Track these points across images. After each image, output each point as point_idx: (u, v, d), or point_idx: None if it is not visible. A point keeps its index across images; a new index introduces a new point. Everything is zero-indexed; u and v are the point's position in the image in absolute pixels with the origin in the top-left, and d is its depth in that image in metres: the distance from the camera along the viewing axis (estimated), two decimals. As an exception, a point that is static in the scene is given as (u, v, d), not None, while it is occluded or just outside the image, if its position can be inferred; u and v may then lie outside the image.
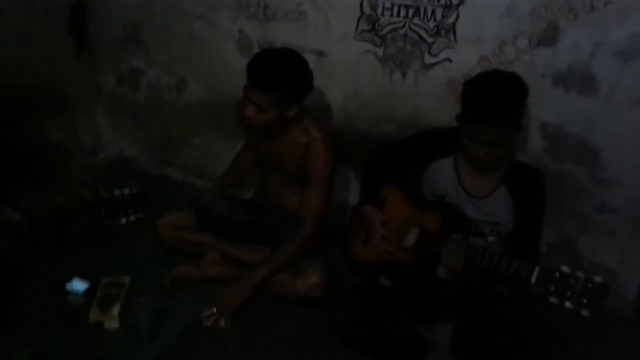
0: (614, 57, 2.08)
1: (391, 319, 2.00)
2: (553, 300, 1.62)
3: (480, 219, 1.98)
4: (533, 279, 1.67)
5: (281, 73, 2.09)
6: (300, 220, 2.28)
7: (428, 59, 2.40)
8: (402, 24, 2.40)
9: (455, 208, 2.01)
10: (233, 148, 2.69)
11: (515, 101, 1.81)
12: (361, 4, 2.43)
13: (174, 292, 2.32)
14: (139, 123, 3.26)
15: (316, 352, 2.12)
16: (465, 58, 2.30)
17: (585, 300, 1.58)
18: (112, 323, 2.15)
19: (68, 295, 2.27)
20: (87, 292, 2.27)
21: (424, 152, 2.09)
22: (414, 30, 2.39)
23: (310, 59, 2.55)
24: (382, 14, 2.41)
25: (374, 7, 2.42)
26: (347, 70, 2.57)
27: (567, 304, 1.60)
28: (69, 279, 2.30)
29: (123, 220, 2.16)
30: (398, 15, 2.39)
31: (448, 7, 2.28)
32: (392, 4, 2.38)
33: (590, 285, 1.58)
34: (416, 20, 2.37)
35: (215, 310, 2.21)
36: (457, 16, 2.28)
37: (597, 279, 1.58)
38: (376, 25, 2.44)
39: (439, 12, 2.31)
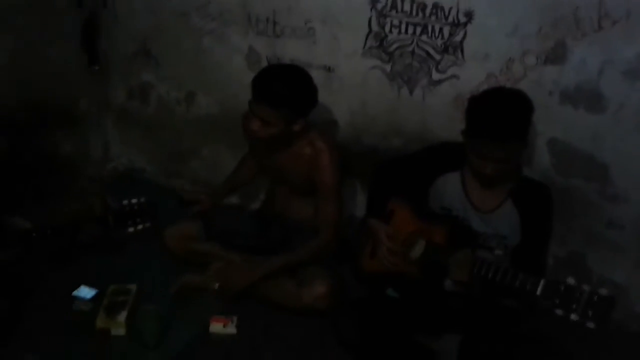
0: (622, 75, 2.10)
1: (397, 331, 2.00)
2: (559, 312, 1.62)
3: (487, 232, 1.98)
4: (539, 291, 1.67)
5: (287, 88, 2.12)
6: (318, 229, 2.29)
7: (435, 76, 2.43)
8: (410, 41, 2.43)
9: (461, 221, 2.02)
10: (241, 161, 2.70)
11: (520, 118, 1.83)
12: (369, 22, 2.46)
13: (179, 300, 2.32)
14: (148, 135, 3.28)
15: (321, 362, 2.12)
16: (472, 75, 2.33)
17: (590, 313, 1.57)
18: (119, 330, 2.15)
19: (75, 302, 2.27)
20: (94, 299, 2.27)
21: (431, 166, 2.11)
22: (421, 48, 2.42)
23: (318, 74, 2.60)
24: (390, 31, 2.45)
25: (382, 25, 2.45)
26: (355, 85, 2.59)
27: (573, 316, 1.59)
28: (77, 287, 2.31)
29: (131, 230, 2.16)
30: (406, 32, 2.42)
31: (456, 25, 2.32)
32: (400, 22, 2.41)
33: (596, 298, 1.58)
34: (424, 37, 2.40)
35: (217, 286, 2.24)
36: (465, 34, 2.31)
37: (603, 291, 1.58)
38: (384, 42, 2.48)
39: (446, 30, 2.34)
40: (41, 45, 2.86)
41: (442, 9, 2.32)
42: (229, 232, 2.47)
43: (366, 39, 2.50)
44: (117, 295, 2.26)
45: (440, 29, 2.36)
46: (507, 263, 1.87)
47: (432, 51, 2.40)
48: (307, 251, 2.28)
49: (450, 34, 2.34)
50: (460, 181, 2.05)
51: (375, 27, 2.47)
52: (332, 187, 2.26)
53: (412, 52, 2.44)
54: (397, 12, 2.40)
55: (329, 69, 2.62)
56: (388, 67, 2.51)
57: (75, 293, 2.29)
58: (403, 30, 2.43)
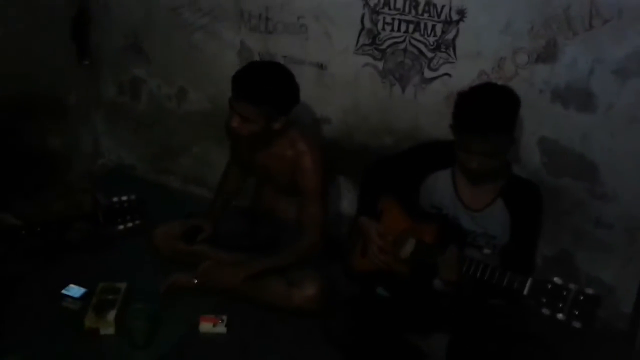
0: (612, 75, 2.10)
1: (387, 330, 2.00)
2: (545, 311, 1.62)
3: (477, 231, 1.99)
4: (526, 291, 1.68)
5: (268, 86, 2.11)
6: (302, 231, 2.28)
7: (428, 74, 2.42)
8: (402, 39, 2.43)
9: (451, 220, 2.02)
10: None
11: (504, 110, 1.83)
12: (362, 18, 2.45)
13: (169, 299, 2.31)
14: (139, 131, 3.27)
15: (311, 361, 2.12)
16: (464, 73, 2.33)
17: (577, 312, 1.58)
18: (108, 329, 2.14)
19: (64, 301, 2.26)
20: (83, 298, 2.26)
21: (422, 165, 2.11)
22: (414, 45, 2.41)
23: (310, 71, 2.59)
24: (383, 29, 2.44)
25: (374, 22, 2.44)
26: (347, 83, 2.59)
27: (559, 316, 1.60)
28: (65, 285, 2.29)
29: (120, 227, 2.15)
30: (399, 30, 2.42)
31: (448, 23, 2.31)
32: (393, 19, 2.41)
33: (582, 297, 1.58)
34: (416, 35, 2.40)
35: (195, 281, 2.25)
36: (457, 32, 2.31)
37: (589, 290, 1.59)
38: (376, 40, 2.47)
39: (439, 28, 2.34)
40: (30, 37, 2.82)
41: (435, 6, 2.32)
42: (217, 232, 2.47)
43: (359, 36, 2.49)
44: (106, 294, 2.25)
45: (433, 27, 2.35)
46: (495, 262, 1.87)
47: (424, 49, 2.40)
48: (293, 253, 2.28)
49: (443, 32, 2.34)
50: (450, 179, 2.05)
51: (367, 24, 2.46)
52: (315, 189, 2.26)
53: (405, 50, 2.44)
54: (389, 9, 2.40)
55: (321, 66, 2.61)
56: (380, 65, 2.50)
57: (64, 291, 2.28)
58: (396, 27, 2.42)
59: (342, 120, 2.68)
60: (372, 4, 2.42)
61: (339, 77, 2.60)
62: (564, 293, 1.60)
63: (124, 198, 2.15)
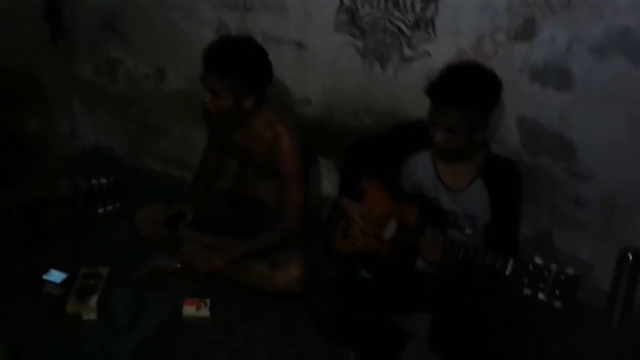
0: (589, 53, 2.09)
1: (370, 311, 2.02)
2: (527, 292, 1.63)
3: (457, 211, 1.99)
4: (507, 271, 1.70)
5: (237, 59, 2.11)
6: (283, 214, 2.28)
7: (407, 52, 2.40)
8: (381, 16, 2.40)
9: (431, 200, 2.03)
10: (212, 138, 2.67)
11: (472, 89, 1.81)
12: (341, -5, 2.43)
13: (151, 283, 2.30)
14: (117, 113, 3.22)
15: (296, 343, 2.13)
16: (444, 52, 2.30)
17: (558, 292, 1.59)
18: (90, 314, 2.14)
19: (45, 286, 2.25)
20: (64, 283, 2.25)
21: (403, 145, 2.10)
22: (393, 23, 2.39)
23: (290, 50, 2.56)
24: (362, 6, 2.41)
25: (353, -1, 2.41)
26: (327, 62, 2.56)
27: (541, 296, 1.62)
28: (46, 270, 2.28)
29: (101, 210, 2.14)
30: (378, 7, 2.39)
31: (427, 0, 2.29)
32: (372, -5, 2.38)
33: (562, 277, 1.60)
34: (396, 12, 2.37)
35: (178, 265, 2.26)
36: (436, 9, 2.29)
37: (570, 270, 1.60)
38: (355, 17, 2.44)
39: (418, 5, 2.32)
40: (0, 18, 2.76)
41: (414, -18, 2.29)
42: (199, 215, 2.45)
43: (337, 13, 2.46)
44: (88, 279, 2.24)
45: (412, 4, 2.33)
46: (478, 242, 1.89)
47: (403, 27, 2.38)
48: (274, 237, 2.28)
49: (422, 9, 2.31)
50: (430, 160, 2.05)
51: (346, 1, 2.43)
52: (294, 172, 2.25)
53: (384, 28, 2.41)
54: (368, -15, 2.37)
55: (301, 45, 2.58)
56: (360, 44, 2.48)
57: (44, 277, 2.26)
58: (375, 4, 2.39)
59: (322, 101, 2.66)
60: (351, -21, 2.38)
61: (319, 56, 2.57)
62: (545, 273, 1.62)
63: (104, 181, 2.13)
